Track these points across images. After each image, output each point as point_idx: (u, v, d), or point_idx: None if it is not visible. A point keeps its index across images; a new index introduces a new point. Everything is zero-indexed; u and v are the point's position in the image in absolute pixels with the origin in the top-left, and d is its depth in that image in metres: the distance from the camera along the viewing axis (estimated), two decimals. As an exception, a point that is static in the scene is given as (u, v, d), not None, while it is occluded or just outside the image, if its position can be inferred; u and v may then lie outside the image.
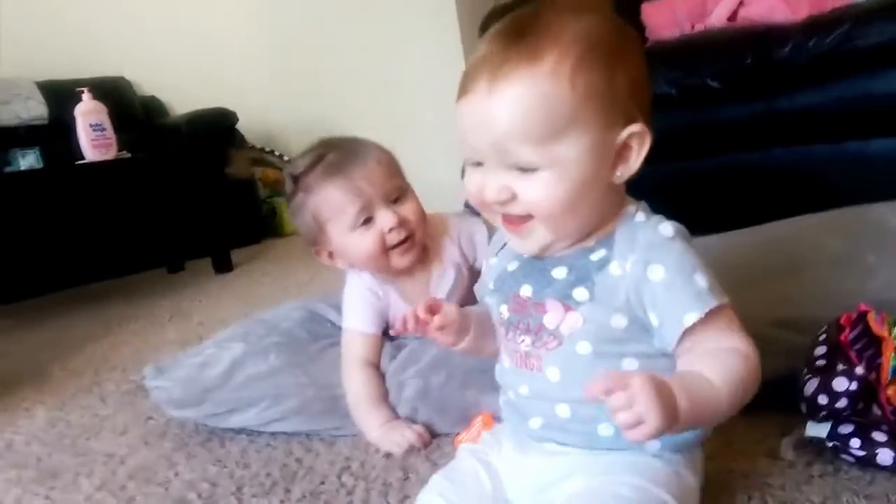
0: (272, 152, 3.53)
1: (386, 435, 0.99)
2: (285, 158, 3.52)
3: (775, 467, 0.78)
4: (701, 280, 0.63)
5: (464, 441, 0.90)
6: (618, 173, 0.65)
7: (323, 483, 0.92)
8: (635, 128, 0.63)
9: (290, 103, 3.47)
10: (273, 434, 1.08)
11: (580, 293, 0.66)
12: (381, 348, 1.08)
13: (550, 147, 0.62)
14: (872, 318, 0.79)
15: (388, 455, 0.96)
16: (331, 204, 1.02)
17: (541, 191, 0.63)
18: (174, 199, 2.56)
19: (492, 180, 0.65)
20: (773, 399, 0.86)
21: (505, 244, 0.76)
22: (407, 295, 1.08)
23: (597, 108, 0.62)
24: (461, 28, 2.83)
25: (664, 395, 0.56)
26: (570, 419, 0.68)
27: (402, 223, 1.02)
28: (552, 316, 0.67)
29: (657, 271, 0.63)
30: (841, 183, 1.51)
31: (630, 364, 0.66)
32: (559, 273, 0.68)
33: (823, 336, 0.82)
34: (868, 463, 0.72)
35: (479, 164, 0.66)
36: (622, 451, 0.67)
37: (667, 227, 0.65)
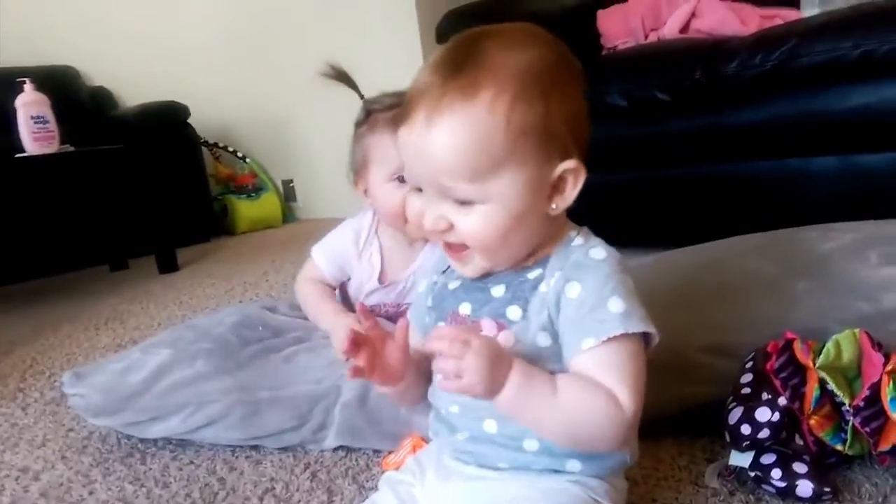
0: (225, 148, 3.46)
1: (339, 321, 1.06)
2: (238, 155, 3.45)
3: (699, 496, 0.77)
4: (616, 305, 0.62)
5: (391, 464, 0.88)
6: (553, 206, 0.65)
7: (243, 506, 0.88)
8: (570, 164, 0.64)
9: (245, 98, 3.41)
10: (197, 450, 1.05)
11: (513, 312, 0.66)
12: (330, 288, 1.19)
13: (486, 183, 0.62)
14: (798, 347, 0.79)
15: (313, 477, 0.94)
16: (381, 149, 1.08)
17: (476, 224, 0.64)
18: (119, 194, 2.48)
19: (430, 209, 0.65)
20: (702, 424, 0.87)
21: (446, 265, 0.76)
22: (386, 259, 1.16)
23: (532, 145, 0.62)
24: (420, 26, 2.80)
25: (497, 364, 0.60)
26: (496, 434, 0.68)
27: None
28: (486, 334, 0.67)
29: (574, 289, 0.63)
30: (783, 199, 1.53)
31: None
32: (497, 291, 0.68)
33: (750, 363, 0.81)
34: (788, 494, 0.72)
35: (419, 189, 0.67)
36: (541, 475, 0.67)
37: (599, 251, 0.66)
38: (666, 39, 1.83)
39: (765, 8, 1.77)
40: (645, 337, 0.63)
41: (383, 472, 0.88)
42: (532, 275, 0.67)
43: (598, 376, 0.62)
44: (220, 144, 3.45)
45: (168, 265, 2.54)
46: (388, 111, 1.08)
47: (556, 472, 0.67)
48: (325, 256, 1.21)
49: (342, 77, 1.14)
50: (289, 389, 1.03)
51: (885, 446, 0.72)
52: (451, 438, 0.71)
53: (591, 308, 0.62)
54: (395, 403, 0.96)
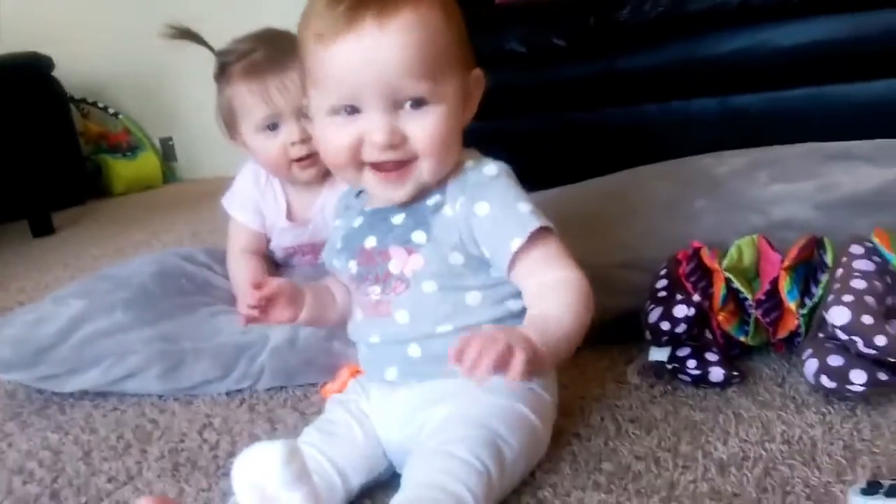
0: (95, 104, 3.23)
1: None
2: (110, 111, 3.24)
3: (623, 390, 0.84)
4: (523, 207, 0.68)
5: (330, 391, 0.90)
6: (465, 116, 0.71)
7: (182, 441, 0.87)
8: (478, 72, 0.71)
9: (116, 51, 3.18)
10: (121, 397, 1.01)
11: (418, 236, 0.71)
12: (264, 241, 1.17)
13: (438, 81, 0.66)
14: (705, 254, 0.88)
15: (251, 410, 0.94)
16: (242, 100, 1.06)
17: (431, 126, 0.67)
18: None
19: (379, 126, 0.66)
20: (620, 332, 0.94)
21: (347, 206, 0.80)
22: (290, 198, 1.15)
23: (461, 49, 0.69)
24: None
25: (516, 332, 0.61)
26: (421, 358, 0.71)
27: (306, 139, 1.04)
28: (396, 261, 0.71)
29: (483, 207, 0.68)
30: (669, 140, 1.64)
31: (473, 297, 0.71)
32: (398, 219, 0.72)
33: (664, 271, 0.89)
34: (702, 381, 0.81)
35: (353, 111, 0.67)
36: None
37: (491, 168, 0.71)
38: (557, -11, 1.89)
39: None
40: None
41: (323, 400, 0.89)
42: (431, 201, 0.71)
43: (548, 271, 0.67)
44: (89, 100, 3.22)
45: (42, 228, 2.37)
46: (241, 60, 1.06)
47: None
48: (240, 207, 1.17)
49: (187, 35, 1.10)
50: (214, 340, 1.02)
51: (782, 334, 0.83)
52: (381, 378, 0.74)
53: (504, 215, 0.68)
54: (326, 339, 0.98)
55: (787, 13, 1.42)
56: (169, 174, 3.36)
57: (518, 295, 0.71)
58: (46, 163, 2.64)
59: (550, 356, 0.62)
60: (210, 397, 0.99)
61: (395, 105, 0.66)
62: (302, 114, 1.00)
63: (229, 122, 1.10)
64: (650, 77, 1.59)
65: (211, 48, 1.12)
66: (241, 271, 1.14)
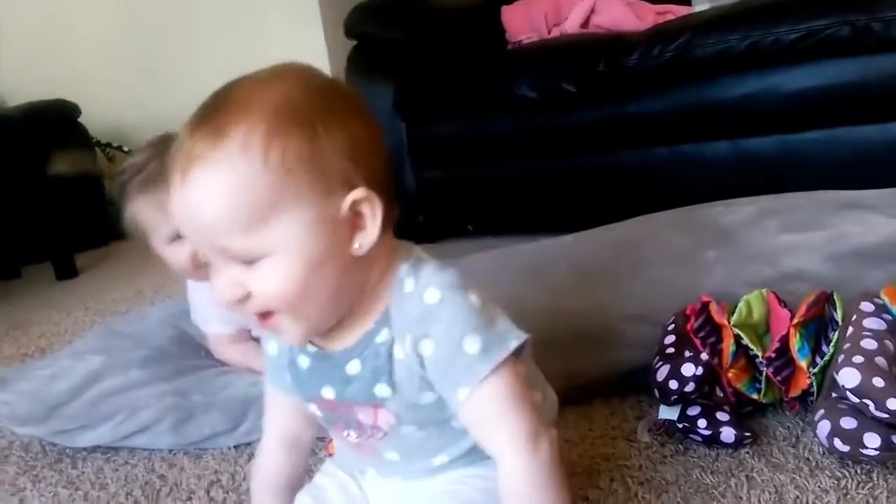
0: (120, 148, 3.30)
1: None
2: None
3: (633, 449, 0.83)
4: (472, 345, 0.57)
5: (335, 448, 0.89)
6: (356, 245, 0.57)
7: (190, 499, 0.87)
8: (358, 193, 0.56)
9: (142, 95, 3.25)
10: (131, 451, 1.02)
11: (382, 390, 0.61)
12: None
13: (262, 232, 0.55)
14: (714, 309, 0.87)
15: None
16: (145, 217, 1.05)
17: (269, 282, 0.56)
18: (7, 198, 2.33)
19: (221, 279, 0.57)
20: (630, 386, 0.93)
21: None
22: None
23: (303, 181, 0.55)
24: (324, 23, 2.79)
25: None
26: (411, 470, 0.67)
27: None
28: (364, 416, 0.63)
29: (428, 346, 0.58)
30: (681, 182, 1.64)
31: (458, 422, 0.63)
32: (353, 368, 0.62)
33: (672, 326, 0.88)
34: (713, 441, 0.79)
35: (207, 261, 0.59)
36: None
37: (433, 293, 0.59)
38: (568, 34, 1.92)
39: (658, 5, 1.90)
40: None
41: (328, 455, 0.89)
42: (380, 338, 0.60)
43: (495, 435, 0.59)
44: (114, 144, 3.30)
45: (66, 271, 2.41)
46: (137, 175, 1.05)
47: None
48: (210, 322, 1.15)
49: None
50: (223, 393, 1.03)
51: (794, 392, 0.81)
52: (362, 475, 0.70)
53: (450, 358, 0.57)
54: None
55: (794, 57, 1.42)
56: (189, 215, 3.41)
57: None
58: (71, 205, 2.69)
59: None
60: (220, 451, 0.99)
61: (228, 257, 0.56)
62: None
63: (141, 233, 1.09)
64: (660, 121, 1.60)
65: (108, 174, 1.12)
66: (234, 359, 1.13)
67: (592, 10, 1.91)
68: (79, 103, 2.89)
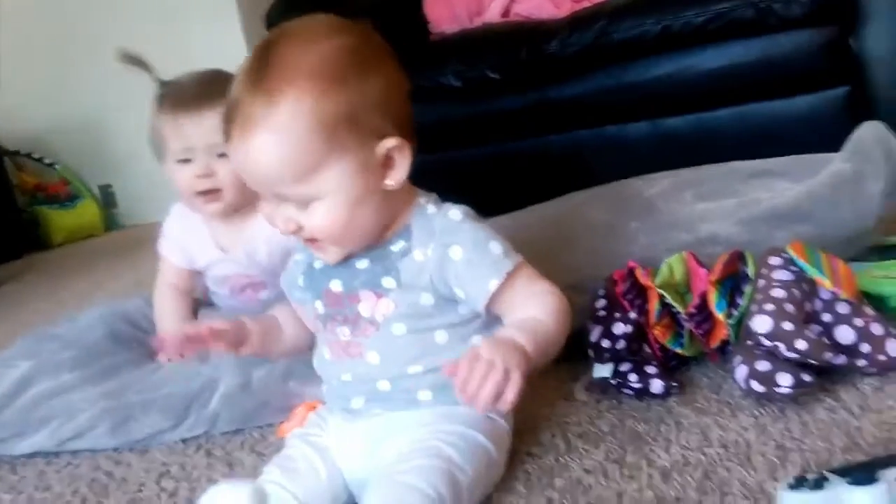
0: (29, 155, 3.17)
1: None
2: (46, 162, 3.18)
3: (571, 407, 0.88)
4: (496, 248, 0.71)
5: (290, 429, 0.90)
6: (388, 182, 0.70)
7: (140, 491, 0.87)
8: (390, 143, 0.69)
9: (51, 101, 3.13)
10: (74, 453, 1.00)
11: (388, 282, 0.72)
12: (191, 279, 1.20)
13: (314, 181, 0.67)
14: (639, 273, 0.93)
15: (209, 455, 0.94)
16: (167, 130, 1.10)
17: (319, 220, 0.69)
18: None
19: (277, 214, 0.70)
20: (566, 351, 0.98)
21: None
22: (215, 231, 1.18)
23: (346, 134, 0.67)
24: (243, 20, 2.75)
25: (510, 346, 0.65)
26: (390, 391, 0.74)
27: (210, 174, 1.08)
28: (366, 305, 0.73)
29: (456, 251, 0.70)
30: (602, 163, 1.71)
31: (441, 336, 0.73)
32: (362, 264, 0.74)
33: (602, 291, 0.94)
34: (644, 393, 0.85)
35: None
36: (439, 406, 0.73)
37: (456, 213, 0.73)
38: (489, 23, 1.97)
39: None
40: None
41: (281, 439, 0.90)
42: (396, 247, 0.73)
43: (531, 289, 0.72)
44: (23, 152, 3.16)
45: (-19, 284, 2.31)
46: (175, 93, 1.11)
47: (450, 403, 0.73)
48: (168, 247, 1.22)
49: (135, 61, 1.13)
50: (160, 391, 1.02)
51: (714, 343, 0.88)
52: (347, 406, 0.76)
53: (479, 258, 0.70)
54: (282, 379, 0.99)
55: (704, 39, 1.51)
56: (110, 221, 3.31)
57: (481, 331, 0.74)
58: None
59: (539, 361, 0.67)
60: (166, 446, 0.98)
61: (284, 200, 0.69)
62: (214, 151, 1.07)
63: (157, 148, 1.14)
64: (582, 105, 1.66)
65: (156, 76, 1.15)
66: (164, 304, 1.20)
67: (512, 0, 1.96)
68: (-14, 109, 2.76)
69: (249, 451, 0.93)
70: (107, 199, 3.32)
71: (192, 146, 1.08)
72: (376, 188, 0.70)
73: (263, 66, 0.67)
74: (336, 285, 0.75)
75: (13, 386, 1.02)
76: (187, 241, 1.19)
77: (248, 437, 0.96)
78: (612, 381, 0.87)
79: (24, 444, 1.00)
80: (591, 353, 0.88)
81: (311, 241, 0.72)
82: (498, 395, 0.62)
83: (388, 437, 0.71)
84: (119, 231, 3.23)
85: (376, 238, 0.73)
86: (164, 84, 1.13)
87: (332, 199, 0.68)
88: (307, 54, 0.67)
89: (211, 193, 1.10)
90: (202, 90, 1.08)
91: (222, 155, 1.06)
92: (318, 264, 0.77)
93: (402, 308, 0.72)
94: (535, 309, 0.72)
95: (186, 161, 1.09)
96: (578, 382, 0.92)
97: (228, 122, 0.68)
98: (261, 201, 0.74)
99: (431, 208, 0.74)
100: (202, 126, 1.06)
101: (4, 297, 2.20)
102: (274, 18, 1.97)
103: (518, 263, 0.72)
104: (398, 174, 0.70)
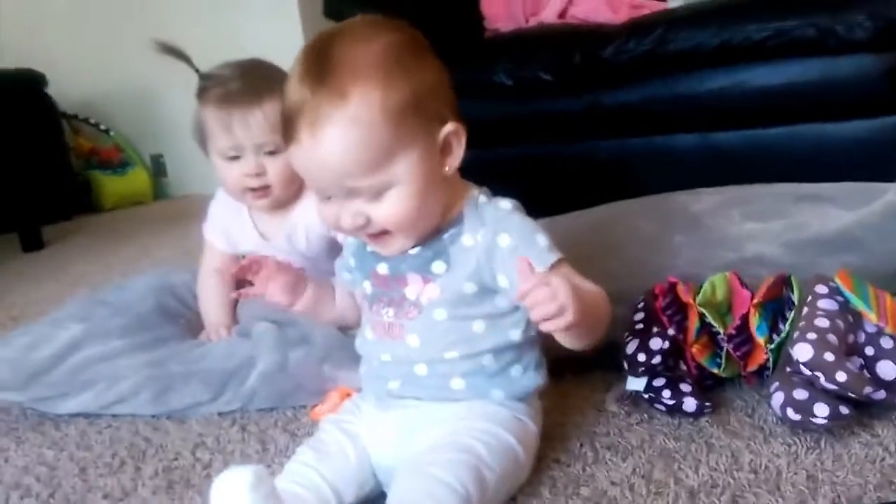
0: (87, 120, 3.26)
1: (211, 327, 1.18)
2: (102, 128, 3.26)
3: (601, 417, 0.89)
4: (542, 240, 0.73)
5: (322, 413, 0.93)
6: (446, 168, 0.73)
7: (176, 459, 0.90)
8: (450, 127, 0.72)
9: (110, 69, 3.21)
10: (114, 416, 1.04)
11: (438, 266, 0.75)
12: (235, 264, 1.19)
13: (385, 171, 0.69)
14: (680, 289, 0.93)
15: (243, 430, 0.97)
16: (211, 125, 1.11)
17: (391, 209, 0.71)
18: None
19: (345, 210, 0.72)
20: (601, 362, 0.99)
21: None
22: (257, 221, 1.20)
23: (412, 123, 0.70)
24: (300, 2, 2.79)
25: (570, 287, 0.66)
26: (426, 376, 0.76)
27: (261, 173, 1.11)
28: (413, 288, 0.76)
29: (504, 238, 0.73)
30: (648, 173, 1.70)
31: (479, 325, 0.76)
32: (413, 250, 0.76)
33: (641, 304, 0.94)
34: (676, 410, 0.85)
35: (328, 197, 0.73)
36: (471, 401, 0.75)
37: (506, 203, 0.76)
38: (545, 24, 1.96)
39: (633, -1, 1.94)
40: None
41: (313, 421, 0.93)
42: (447, 235, 0.75)
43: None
44: (81, 117, 3.24)
45: (32, 243, 2.38)
46: (217, 87, 1.11)
47: (483, 399, 0.76)
48: (212, 231, 1.25)
49: (172, 52, 1.15)
50: (200, 364, 1.05)
51: (752, 367, 0.87)
52: (383, 388, 0.78)
53: (526, 247, 0.72)
54: (317, 362, 1.02)
55: (762, 55, 1.48)
56: (159, 190, 3.38)
57: (517, 325, 0.76)
58: (37, 177, 2.65)
59: (584, 319, 0.67)
60: (203, 417, 1.01)
61: (355, 194, 0.71)
62: (263, 149, 1.09)
63: (201, 140, 1.16)
64: (632, 112, 1.65)
65: (194, 67, 1.16)
66: (208, 291, 1.22)
67: (570, 2, 1.95)
68: (46, 74, 2.84)
69: (282, 431, 0.95)
70: (157, 169, 3.39)
71: (241, 144, 1.10)
72: (439, 174, 0.73)
73: (323, 66, 0.69)
74: (382, 268, 0.78)
75: (63, 347, 1.06)
76: (230, 226, 1.22)
77: (282, 417, 0.99)
78: (645, 396, 0.87)
79: (69, 403, 1.04)
80: (625, 365, 0.88)
81: (379, 234, 0.74)
82: (547, 321, 0.65)
83: (421, 428, 0.73)
84: (167, 200, 3.30)
85: (435, 228, 0.76)
86: (204, 77, 1.14)
87: (405, 187, 0.70)
88: (364, 51, 0.69)
89: (261, 190, 1.12)
90: (246, 86, 1.09)
91: (271, 152, 1.09)
92: (369, 247, 0.79)
93: (446, 294, 0.74)
94: (588, 283, 0.73)
95: (234, 158, 1.11)
96: (610, 393, 0.92)
97: (292, 124, 0.69)
98: (319, 203, 0.75)
99: (483, 199, 0.76)
100: (250, 126, 1.08)
101: (53, 257, 2.27)
102: (330, 5, 1.98)
103: (561, 258, 0.74)
104: (454, 160, 0.73)
